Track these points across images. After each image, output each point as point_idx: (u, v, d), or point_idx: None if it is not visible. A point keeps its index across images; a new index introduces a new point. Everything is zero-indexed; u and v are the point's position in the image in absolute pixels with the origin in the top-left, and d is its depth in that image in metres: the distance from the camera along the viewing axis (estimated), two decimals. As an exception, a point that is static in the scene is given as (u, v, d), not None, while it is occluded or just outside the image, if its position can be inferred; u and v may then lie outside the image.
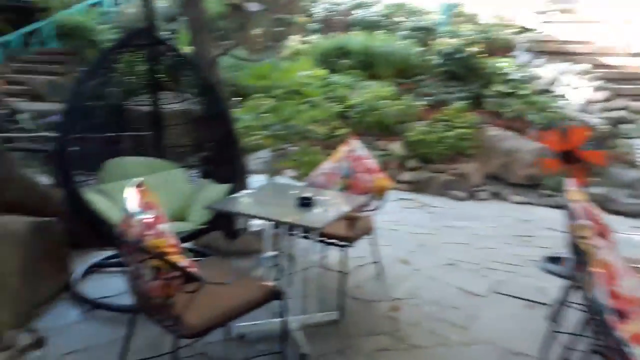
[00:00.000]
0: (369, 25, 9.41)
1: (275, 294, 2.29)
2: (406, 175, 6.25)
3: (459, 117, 6.70)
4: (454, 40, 8.18)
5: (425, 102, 7.30)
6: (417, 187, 6.12)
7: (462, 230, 4.74)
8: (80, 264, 3.48)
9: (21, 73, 8.98)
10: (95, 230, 3.08)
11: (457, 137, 6.40)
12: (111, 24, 9.61)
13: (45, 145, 5.04)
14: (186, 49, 4.13)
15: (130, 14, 9.55)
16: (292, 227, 2.56)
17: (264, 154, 6.17)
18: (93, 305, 3.05)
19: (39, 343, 2.69)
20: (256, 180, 4.60)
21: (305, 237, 2.95)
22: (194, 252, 3.72)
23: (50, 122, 6.24)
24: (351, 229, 3.01)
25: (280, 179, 5.62)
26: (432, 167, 6.32)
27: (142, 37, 3.63)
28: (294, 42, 9.24)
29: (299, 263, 2.79)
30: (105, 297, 3.10)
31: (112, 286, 3.19)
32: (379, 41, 8.38)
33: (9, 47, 9.25)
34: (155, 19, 3.72)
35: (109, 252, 3.60)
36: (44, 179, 3.98)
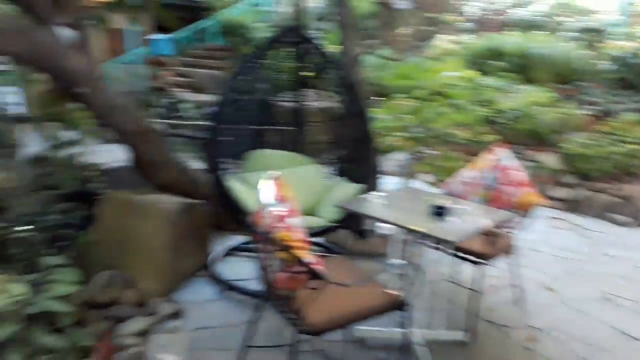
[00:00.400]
0: (527, 25, 8.69)
1: (399, 304, 2.19)
2: (559, 192, 5.63)
3: (629, 131, 5.84)
4: (630, 44, 7.17)
5: (588, 112, 6.51)
6: (571, 206, 5.47)
7: (622, 261, 4.11)
8: (219, 246, 3.72)
9: (188, 67, 10.00)
10: (234, 216, 3.26)
11: (626, 153, 5.59)
12: (267, 22, 10.22)
13: (201, 133, 5.50)
14: (333, 48, 4.17)
15: (285, 13, 10.06)
16: (423, 236, 2.42)
17: (401, 156, 6.03)
18: (227, 286, 3.23)
19: (177, 314, 2.92)
20: (390, 182, 4.50)
21: (436, 248, 2.78)
22: (323, 248, 3.75)
23: (206, 112, 6.82)
24: (489, 246, 2.76)
25: (415, 184, 5.44)
26: (591, 185, 5.60)
27: (292, 35, 3.74)
28: (441, 41, 8.91)
29: (427, 274, 2.64)
30: (238, 279, 3.27)
31: (246, 270, 3.35)
32: (538, 42, 7.69)
33: (180, 43, 10.36)
34: (306, 18, 3.81)
35: (246, 238, 3.80)
36: (197, 164, 4.33)
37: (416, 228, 2.30)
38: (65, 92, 3.44)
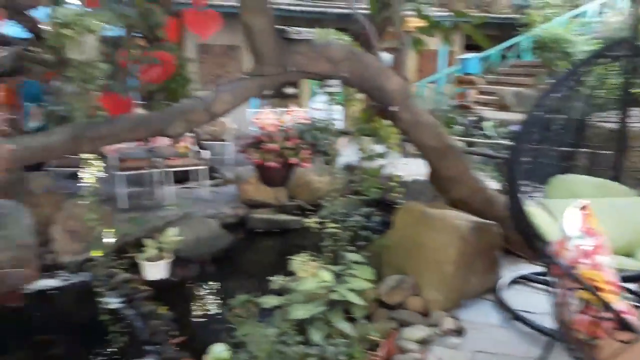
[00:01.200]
0: None
1: None
2: None
3: None
4: None
5: None
6: None
7: None
8: (508, 271, 3.53)
9: (493, 84, 9.86)
10: (529, 243, 3.04)
11: None
12: (591, 35, 9.18)
13: (500, 153, 5.34)
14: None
15: (614, 23, 8.83)
16: None
17: None
18: (513, 315, 3.05)
19: (459, 331, 2.90)
20: None
21: None
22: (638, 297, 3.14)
23: (509, 131, 6.57)
24: None
25: None
26: None
27: (622, 47, 3.27)
28: None
29: None
30: (526, 311, 3.04)
31: (536, 302, 3.10)
32: None
33: (488, 61, 10.30)
34: (641, 25, 3.26)
35: (539, 268, 3.50)
36: (493, 184, 4.22)
37: None
38: (379, 110, 3.84)
